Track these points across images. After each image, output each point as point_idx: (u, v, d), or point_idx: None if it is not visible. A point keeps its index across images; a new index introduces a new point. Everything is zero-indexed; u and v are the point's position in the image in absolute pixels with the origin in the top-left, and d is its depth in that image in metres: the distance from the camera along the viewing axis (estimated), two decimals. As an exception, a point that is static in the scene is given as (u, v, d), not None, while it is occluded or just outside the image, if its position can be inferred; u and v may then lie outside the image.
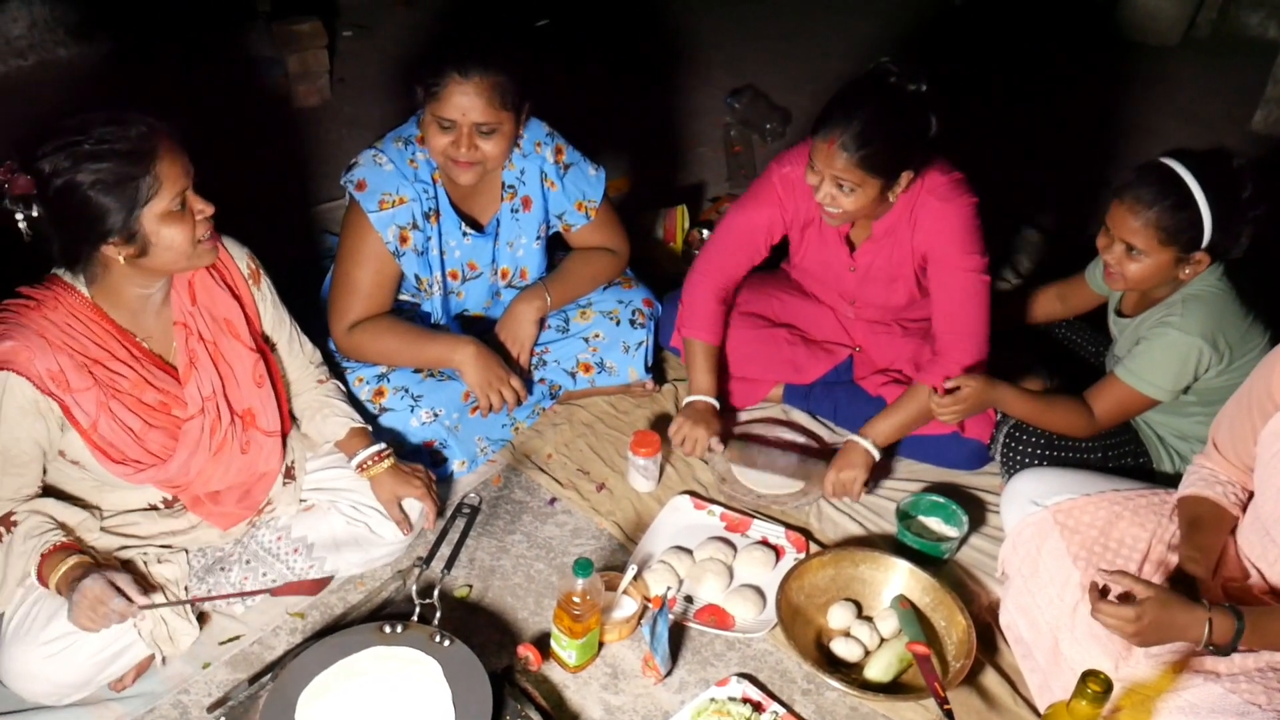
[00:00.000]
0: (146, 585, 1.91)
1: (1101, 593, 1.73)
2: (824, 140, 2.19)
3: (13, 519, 1.84)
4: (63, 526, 1.89)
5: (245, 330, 2.04)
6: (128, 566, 1.93)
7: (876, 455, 2.40)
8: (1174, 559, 1.89)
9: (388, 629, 1.94)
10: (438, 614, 1.97)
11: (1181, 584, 1.80)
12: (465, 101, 2.20)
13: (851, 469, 2.38)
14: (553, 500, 2.45)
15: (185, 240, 1.81)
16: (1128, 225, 2.13)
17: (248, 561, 2.09)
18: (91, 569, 1.80)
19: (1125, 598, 1.73)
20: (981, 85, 4.43)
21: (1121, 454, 2.38)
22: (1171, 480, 2.31)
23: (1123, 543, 2.00)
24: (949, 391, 2.26)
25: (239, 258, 2.06)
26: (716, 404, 2.52)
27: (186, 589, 2.01)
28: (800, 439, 2.63)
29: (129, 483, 1.92)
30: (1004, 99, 4.36)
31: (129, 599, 1.78)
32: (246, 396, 2.04)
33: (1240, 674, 1.73)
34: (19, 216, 1.72)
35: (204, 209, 1.83)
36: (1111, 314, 2.43)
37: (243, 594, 2.05)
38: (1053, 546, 2.02)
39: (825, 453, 2.58)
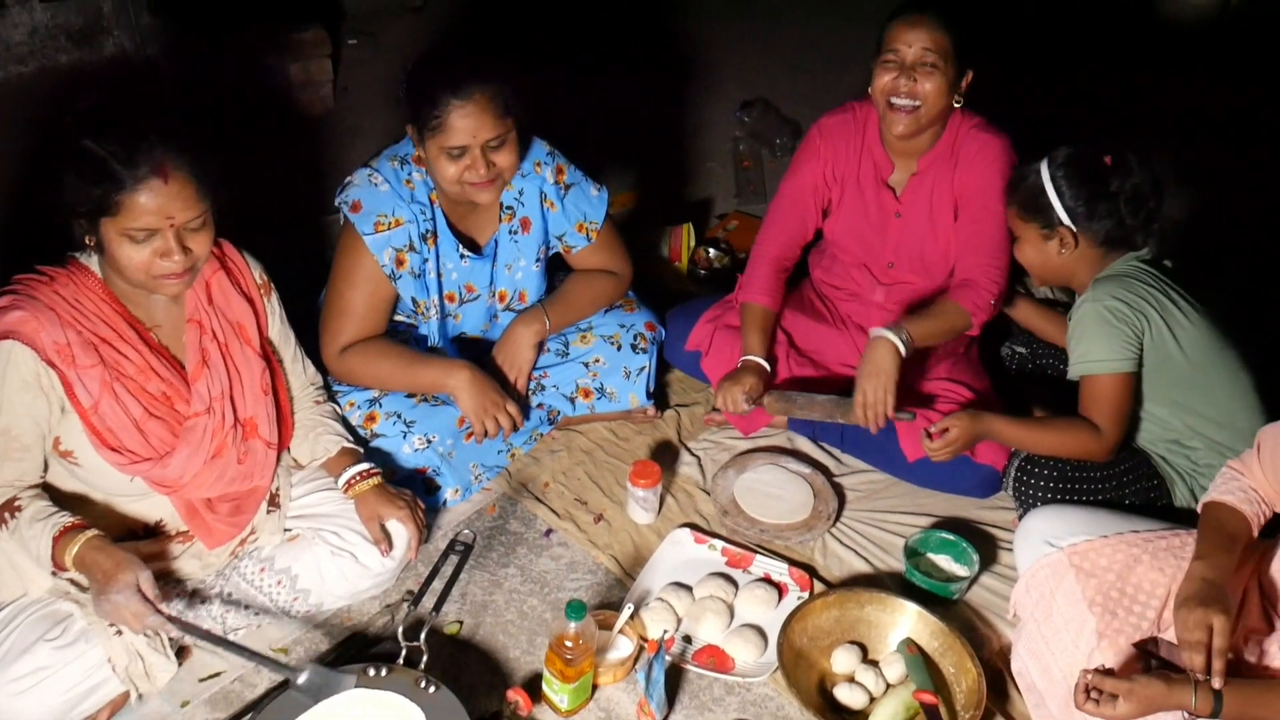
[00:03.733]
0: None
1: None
2: (904, 19, 2.30)
3: (16, 504, 1.80)
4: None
5: (256, 337, 2.03)
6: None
7: (904, 351, 2.29)
8: None
9: (372, 671, 1.87)
10: (424, 657, 1.90)
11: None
12: (471, 123, 2.14)
13: (876, 376, 2.28)
14: (549, 532, 2.38)
15: (138, 268, 1.79)
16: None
17: (229, 594, 2.03)
18: (109, 549, 1.76)
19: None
20: (994, 101, 4.35)
21: (1137, 486, 2.30)
22: (1190, 517, 2.24)
23: (1140, 588, 1.92)
24: (939, 431, 2.24)
25: (254, 268, 2.07)
26: (766, 365, 2.49)
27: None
28: (806, 470, 2.55)
29: (120, 475, 1.87)
30: (1014, 116, 4.27)
31: (161, 614, 1.75)
32: (252, 404, 2.01)
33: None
34: None
35: (172, 254, 1.78)
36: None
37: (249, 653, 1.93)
38: (1068, 590, 1.94)
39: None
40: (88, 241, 1.80)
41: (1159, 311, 2.19)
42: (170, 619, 1.77)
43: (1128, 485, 2.29)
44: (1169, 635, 1.85)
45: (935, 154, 2.44)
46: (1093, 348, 2.20)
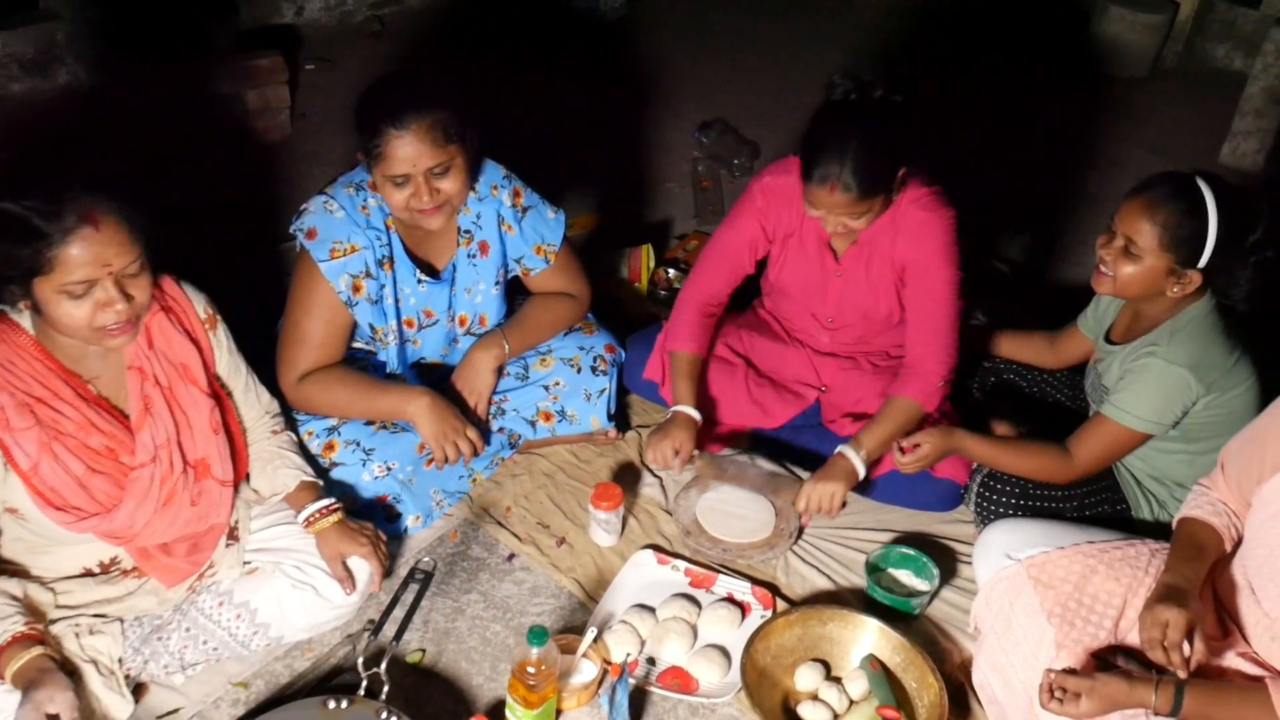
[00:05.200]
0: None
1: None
2: (820, 186, 2.18)
3: None
4: (28, 608, 1.80)
5: (202, 375, 1.97)
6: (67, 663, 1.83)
7: (862, 471, 2.35)
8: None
9: (332, 704, 1.85)
10: (385, 687, 1.88)
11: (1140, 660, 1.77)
12: (410, 151, 2.14)
13: (833, 482, 2.33)
14: (511, 556, 2.37)
15: (80, 323, 1.73)
16: (1134, 221, 2.09)
17: (187, 629, 2.00)
18: (48, 671, 1.70)
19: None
20: (952, 118, 4.41)
21: (1099, 501, 2.32)
22: (1150, 529, 2.27)
23: (1097, 598, 1.94)
24: (911, 445, 2.26)
25: (196, 302, 2.00)
26: (697, 416, 2.46)
27: (120, 661, 1.91)
28: (771, 467, 2.56)
29: (69, 532, 1.83)
30: (975, 132, 4.34)
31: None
32: (202, 445, 1.96)
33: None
34: None
35: (114, 303, 1.73)
36: (1099, 340, 2.39)
37: None
38: (1026, 602, 1.96)
39: (796, 477, 2.54)
40: (23, 306, 1.75)
41: (1219, 383, 2.14)
42: None
43: (1090, 506, 2.32)
44: (1132, 639, 1.88)
45: (875, 228, 2.37)
46: (1138, 404, 2.16)
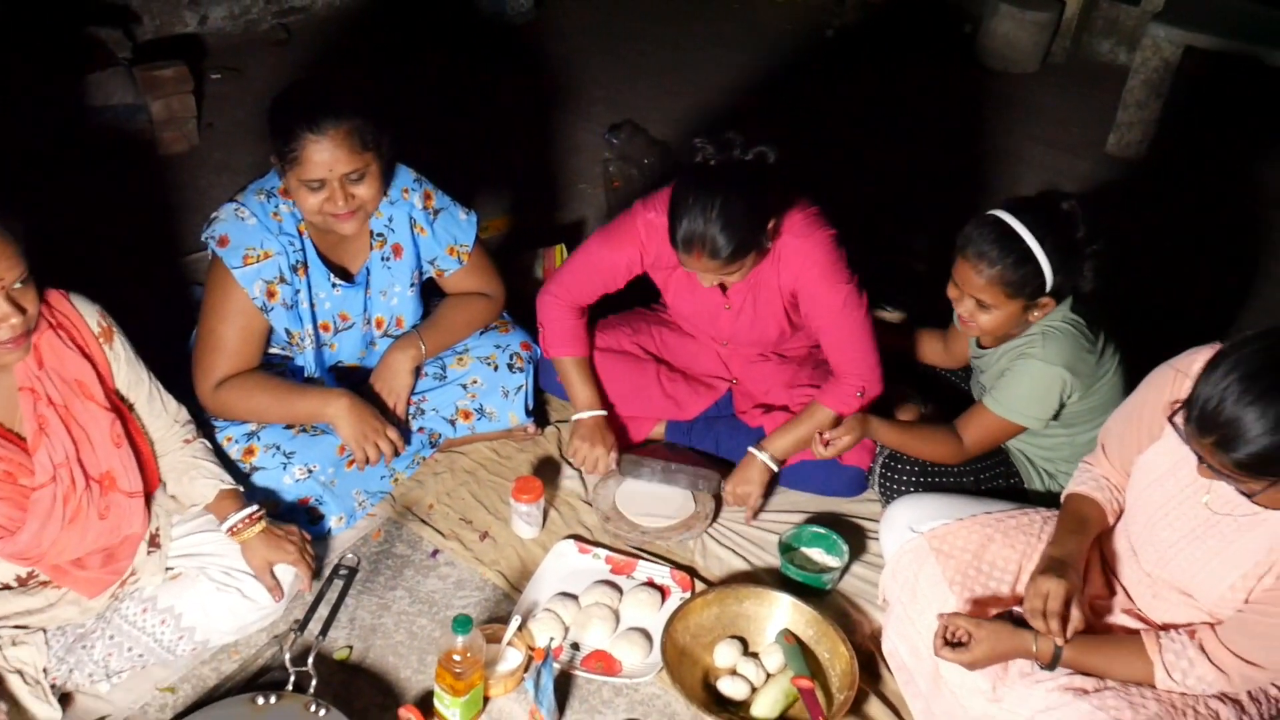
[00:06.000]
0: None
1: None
2: (689, 254, 2.21)
3: None
4: None
5: (99, 390, 1.95)
6: None
7: (774, 468, 2.46)
8: None
9: (260, 700, 1.88)
10: (313, 681, 1.91)
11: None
12: (326, 156, 2.17)
13: (748, 483, 2.46)
14: (435, 552, 2.41)
15: None
16: (974, 282, 2.20)
17: (111, 637, 2.00)
18: None
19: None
20: (850, 116, 4.55)
21: (994, 475, 2.45)
22: (1043, 498, 2.40)
23: (994, 565, 2.05)
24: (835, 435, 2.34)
25: (88, 315, 1.97)
26: (604, 414, 2.55)
27: (45, 671, 1.91)
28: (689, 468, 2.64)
29: None
30: (872, 128, 4.48)
31: None
32: (105, 459, 1.95)
33: (1107, 690, 1.79)
34: None
35: (8, 317, 1.73)
36: (972, 345, 2.50)
37: None
38: (929, 572, 2.06)
39: (717, 465, 2.62)
40: None
41: (1090, 376, 2.26)
42: None
43: (986, 480, 2.44)
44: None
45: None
46: (1018, 400, 2.27)
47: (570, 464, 2.65)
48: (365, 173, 2.24)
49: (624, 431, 2.71)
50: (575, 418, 2.55)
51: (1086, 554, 1.94)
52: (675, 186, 2.24)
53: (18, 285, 1.74)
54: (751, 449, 2.49)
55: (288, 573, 2.11)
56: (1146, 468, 1.89)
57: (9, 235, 1.71)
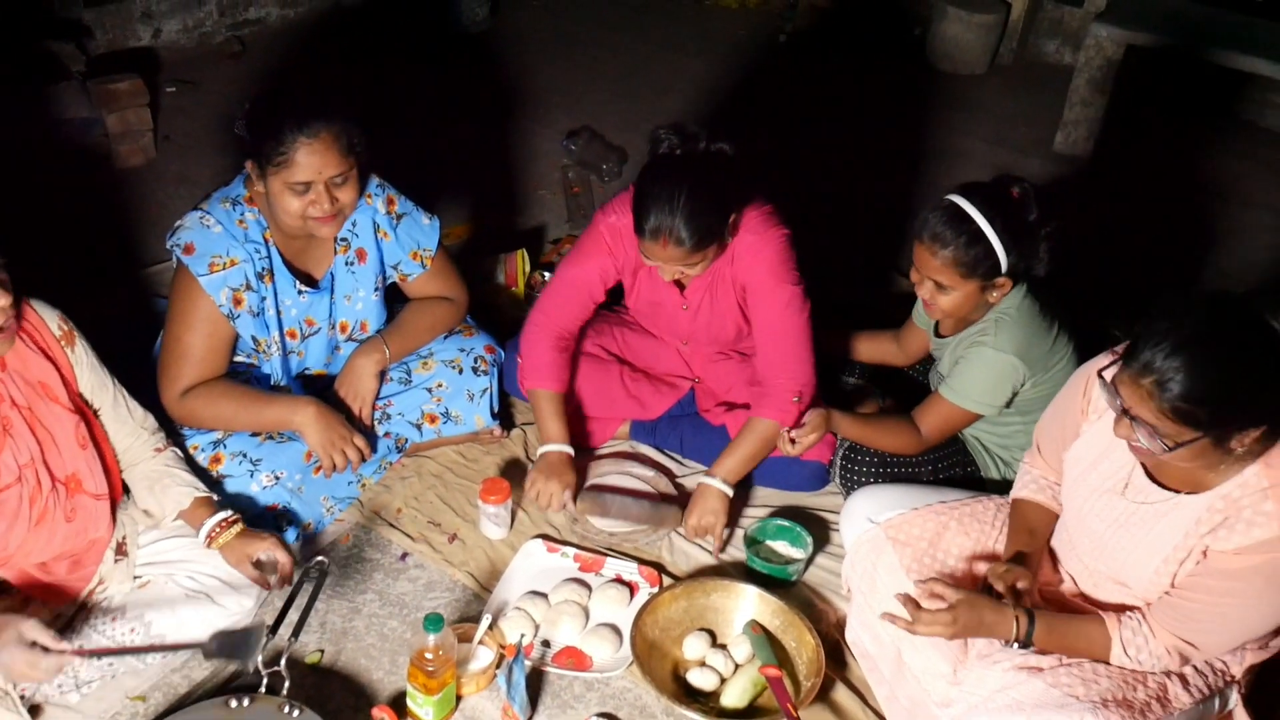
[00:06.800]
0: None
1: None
2: (653, 241, 2.23)
3: None
4: None
5: (63, 392, 1.97)
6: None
7: (729, 493, 2.45)
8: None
9: (234, 703, 1.89)
10: (286, 683, 1.93)
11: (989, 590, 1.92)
12: (317, 159, 2.18)
13: (709, 514, 2.43)
14: (404, 555, 2.43)
15: None
16: (930, 265, 2.26)
17: (80, 645, 1.99)
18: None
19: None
20: (804, 119, 4.62)
21: (951, 464, 2.51)
22: (999, 485, 2.46)
23: (949, 552, 2.11)
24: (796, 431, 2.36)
25: (49, 319, 1.99)
26: (570, 451, 2.53)
27: (15, 685, 1.90)
28: (651, 474, 2.67)
29: None
30: (826, 131, 4.55)
31: (63, 651, 1.76)
32: (70, 461, 1.96)
33: (1060, 668, 1.85)
34: None
35: None
36: (930, 334, 2.57)
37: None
38: (887, 561, 2.11)
39: (678, 496, 2.63)
40: None
41: (1042, 363, 2.31)
42: (76, 651, 1.78)
43: (943, 469, 2.50)
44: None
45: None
46: (971, 388, 2.33)
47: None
48: (349, 176, 2.26)
49: (589, 437, 2.74)
50: (541, 450, 2.53)
51: (1040, 561, 2.00)
52: (640, 177, 2.28)
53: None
54: (703, 479, 2.46)
55: (270, 561, 2.09)
56: (1073, 462, 1.95)
57: None
